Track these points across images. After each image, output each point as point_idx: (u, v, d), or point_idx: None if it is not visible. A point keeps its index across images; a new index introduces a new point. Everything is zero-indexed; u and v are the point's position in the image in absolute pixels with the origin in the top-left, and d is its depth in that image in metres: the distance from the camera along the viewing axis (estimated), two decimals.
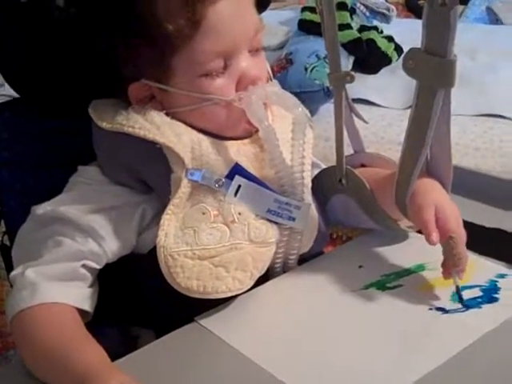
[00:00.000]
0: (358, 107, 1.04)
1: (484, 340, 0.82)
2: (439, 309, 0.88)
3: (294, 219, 0.93)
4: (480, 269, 0.95)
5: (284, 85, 1.16)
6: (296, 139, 0.94)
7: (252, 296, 0.93)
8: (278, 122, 0.98)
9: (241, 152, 0.93)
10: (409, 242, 1.03)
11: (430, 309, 0.88)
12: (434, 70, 0.80)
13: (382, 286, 0.94)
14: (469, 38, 2.27)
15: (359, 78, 2.02)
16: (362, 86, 2.03)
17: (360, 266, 0.99)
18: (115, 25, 0.89)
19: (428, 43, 0.79)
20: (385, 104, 1.98)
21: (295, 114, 0.94)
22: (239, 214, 0.90)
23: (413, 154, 0.89)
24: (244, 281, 0.90)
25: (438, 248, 0.90)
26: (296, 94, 0.96)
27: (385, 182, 0.96)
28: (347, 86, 0.95)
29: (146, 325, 0.99)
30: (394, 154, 0.98)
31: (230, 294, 0.89)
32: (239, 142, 0.94)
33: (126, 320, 1.01)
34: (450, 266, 0.89)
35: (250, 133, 0.95)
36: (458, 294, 0.88)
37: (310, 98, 1.80)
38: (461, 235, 0.89)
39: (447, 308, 0.88)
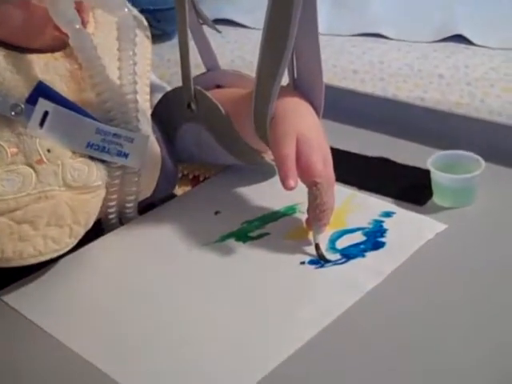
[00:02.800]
0: (224, 28, 0.83)
1: (367, 300, 0.65)
2: (313, 262, 0.70)
3: (126, 155, 0.71)
4: (361, 207, 0.77)
5: (134, 2, 0.93)
6: (123, 49, 0.71)
7: (74, 260, 0.72)
8: (102, 29, 0.75)
9: (50, 68, 0.70)
10: (275, 178, 0.84)
11: (302, 262, 0.70)
12: None
13: (242, 235, 0.74)
14: None
15: None
16: (230, 5, 1.81)
17: (216, 212, 0.79)
18: None
19: None
20: (253, 25, 1.77)
21: (119, 17, 0.71)
22: (48, 151, 0.67)
23: (271, 67, 0.69)
24: (61, 239, 0.68)
25: None
26: (149, 13, 0.74)
27: (244, 104, 0.76)
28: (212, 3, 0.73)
29: None
30: None
31: (41, 259, 0.67)
32: (49, 55, 0.71)
33: None
34: (312, 219, 0.71)
35: (64, 43, 0.71)
36: (317, 254, 0.70)
37: (165, 17, 1.55)
38: (328, 178, 0.71)
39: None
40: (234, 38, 1.68)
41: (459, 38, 1.65)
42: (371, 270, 0.68)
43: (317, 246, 0.70)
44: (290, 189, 0.68)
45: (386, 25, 1.73)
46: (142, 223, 0.78)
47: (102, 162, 0.71)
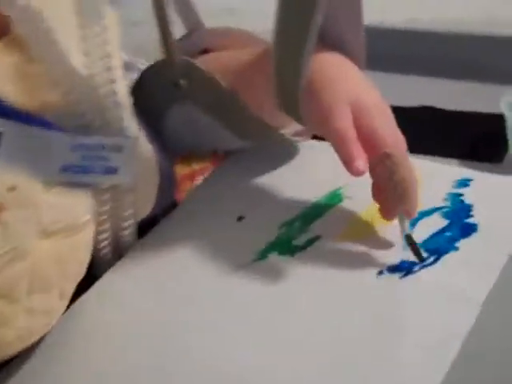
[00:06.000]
0: None
1: (488, 312, 0.48)
2: (393, 269, 0.52)
3: (115, 170, 0.52)
4: (425, 179, 0.59)
5: None
6: (86, 26, 0.51)
7: (67, 322, 0.52)
8: (50, 1, 0.54)
9: None
10: (303, 159, 0.65)
11: (380, 272, 0.52)
12: None
13: (287, 246, 0.56)
14: None
15: None
16: None
17: (240, 218, 0.60)
18: None
19: None
20: None
21: None
22: (11, 189, 0.47)
23: (298, 17, 0.50)
24: (50, 308, 0.48)
25: None
26: None
27: (254, 72, 0.57)
28: None
29: None
30: None
31: (28, 343, 0.48)
32: None
33: None
34: (392, 203, 0.53)
35: (3, 29, 0.50)
36: (412, 249, 0.52)
37: None
38: (400, 148, 0.53)
39: (406, 262, 0.52)
40: None
41: None
42: (474, 268, 0.51)
43: (409, 239, 0.52)
44: (360, 173, 0.49)
45: None
46: (146, 250, 0.59)
47: (85, 185, 0.51)
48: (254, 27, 0.65)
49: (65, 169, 0.49)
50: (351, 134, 0.50)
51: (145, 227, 0.61)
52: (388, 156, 0.51)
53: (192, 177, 0.71)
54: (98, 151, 0.50)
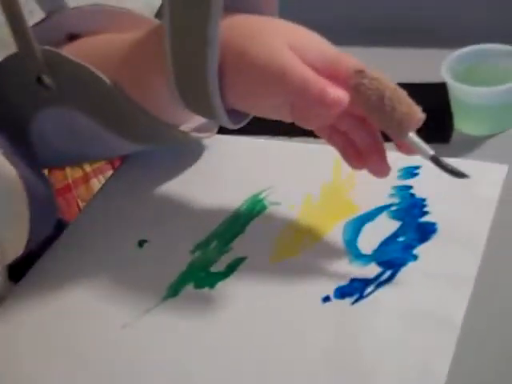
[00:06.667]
0: None
1: (468, 335, 0.37)
2: (341, 291, 0.41)
3: None
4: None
5: None
6: None
7: None
8: None
9: None
10: (211, 159, 0.53)
11: (326, 298, 0.41)
12: None
13: (203, 275, 0.44)
14: None
15: None
16: None
17: (141, 243, 0.48)
18: None
19: None
20: None
21: None
22: None
23: None
24: None
25: (267, 154, 0.49)
26: None
27: (139, 57, 0.45)
28: None
29: None
30: None
31: None
32: None
33: None
34: (391, 123, 0.39)
35: None
36: (447, 170, 0.39)
37: None
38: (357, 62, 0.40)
39: (357, 281, 0.41)
40: None
41: None
42: (441, 281, 0.40)
43: (435, 160, 0.39)
44: (341, 102, 0.38)
45: None
46: (24, 296, 0.46)
47: None
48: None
49: None
50: (307, 70, 0.39)
51: (19, 266, 0.48)
52: (361, 73, 0.39)
53: (86, 179, 0.58)
54: None
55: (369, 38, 0.57)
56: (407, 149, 0.40)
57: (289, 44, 0.39)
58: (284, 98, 0.40)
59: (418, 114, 0.39)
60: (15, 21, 0.44)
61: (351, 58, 0.40)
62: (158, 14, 0.67)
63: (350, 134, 0.42)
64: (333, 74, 0.39)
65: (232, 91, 0.42)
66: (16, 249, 0.44)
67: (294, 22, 0.42)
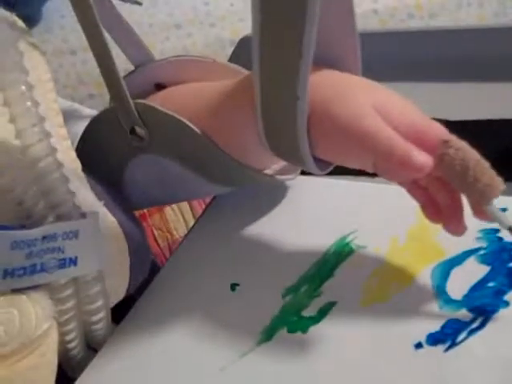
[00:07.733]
0: None
1: None
2: (434, 338, 0.42)
3: (73, 261, 0.41)
4: None
5: None
6: (8, 86, 0.40)
7: None
8: None
9: None
10: (296, 202, 0.55)
11: (418, 345, 0.42)
12: None
13: (296, 320, 0.45)
14: None
15: None
16: None
17: (234, 286, 0.50)
18: None
19: None
20: None
21: None
22: None
23: (288, 28, 0.39)
24: None
25: (351, 196, 0.49)
26: None
27: (227, 106, 0.46)
28: None
29: None
30: None
31: None
32: None
33: None
34: (473, 195, 0.40)
35: None
36: None
37: None
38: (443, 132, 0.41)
39: (449, 327, 0.42)
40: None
41: None
42: None
43: None
44: (426, 166, 0.38)
45: None
46: (123, 340, 0.48)
47: (35, 288, 0.40)
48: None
49: (7, 274, 0.38)
50: (393, 133, 0.40)
51: (118, 310, 0.50)
52: (447, 143, 0.40)
53: (160, 208, 0.60)
54: (48, 242, 0.39)
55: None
56: (485, 216, 0.41)
57: (373, 105, 0.40)
58: (368, 160, 0.41)
59: (500, 186, 0.39)
60: (110, 76, 0.47)
61: (439, 126, 0.41)
62: (233, 58, 0.69)
63: (430, 190, 0.43)
64: (417, 140, 0.39)
65: (318, 147, 0.43)
66: (118, 295, 0.47)
67: None
